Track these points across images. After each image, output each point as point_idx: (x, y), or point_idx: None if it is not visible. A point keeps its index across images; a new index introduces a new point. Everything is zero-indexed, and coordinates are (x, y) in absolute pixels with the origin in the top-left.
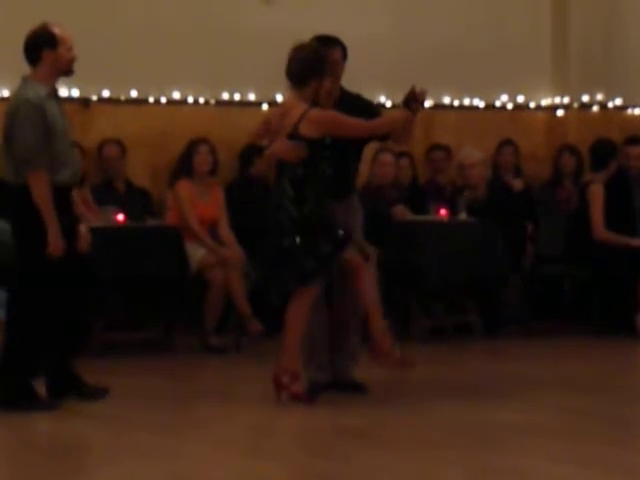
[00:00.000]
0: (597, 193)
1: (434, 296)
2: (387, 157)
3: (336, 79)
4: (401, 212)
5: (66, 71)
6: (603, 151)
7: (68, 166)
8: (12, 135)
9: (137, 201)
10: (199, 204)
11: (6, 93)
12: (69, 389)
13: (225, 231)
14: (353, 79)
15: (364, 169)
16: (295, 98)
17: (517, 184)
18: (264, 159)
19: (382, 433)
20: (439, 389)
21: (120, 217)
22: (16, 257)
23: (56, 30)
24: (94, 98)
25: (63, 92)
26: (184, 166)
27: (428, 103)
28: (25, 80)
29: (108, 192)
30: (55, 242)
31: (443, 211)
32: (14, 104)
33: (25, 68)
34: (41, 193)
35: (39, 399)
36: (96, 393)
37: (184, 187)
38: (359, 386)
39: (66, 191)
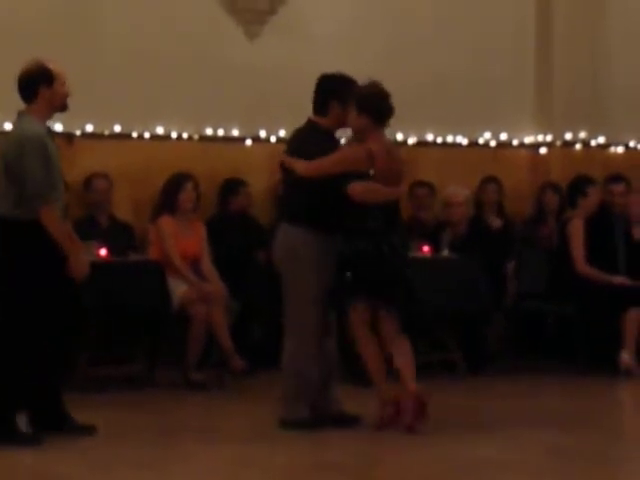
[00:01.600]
0: (577, 228)
1: (417, 333)
2: None
3: None
4: None
5: (61, 107)
6: (575, 188)
7: (59, 200)
8: (18, 171)
9: (120, 236)
10: (181, 240)
11: None
12: (57, 425)
13: (207, 266)
14: None
15: None
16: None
17: (496, 222)
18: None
19: (364, 469)
20: (421, 426)
21: (103, 252)
22: (3, 290)
23: (51, 66)
24: (78, 133)
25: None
26: (167, 201)
27: (412, 140)
28: (21, 116)
29: (91, 226)
30: (78, 267)
31: (426, 247)
32: (16, 140)
33: (9, 101)
34: (56, 225)
35: (22, 433)
36: (83, 431)
37: (167, 223)
38: (352, 418)
39: None
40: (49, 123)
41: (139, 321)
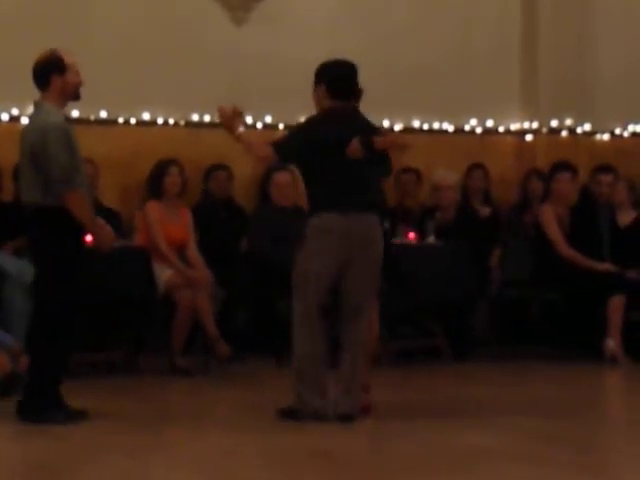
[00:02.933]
0: (547, 213)
1: (402, 319)
2: None
3: None
4: None
5: (74, 96)
6: (548, 175)
7: (84, 184)
8: (44, 159)
9: (106, 221)
10: (168, 226)
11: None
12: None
13: (193, 253)
14: None
15: None
16: None
17: (484, 211)
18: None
19: (352, 457)
20: (407, 413)
21: (89, 237)
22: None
23: (64, 56)
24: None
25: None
26: (153, 187)
27: (398, 127)
28: (39, 105)
29: None
30: (105, 240)
31: (411, 234)
32: (39, 129)
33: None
34: (83, 208)
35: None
36: (76, 416)
37: (153, 208)
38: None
39: None
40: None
41: (124, 307)
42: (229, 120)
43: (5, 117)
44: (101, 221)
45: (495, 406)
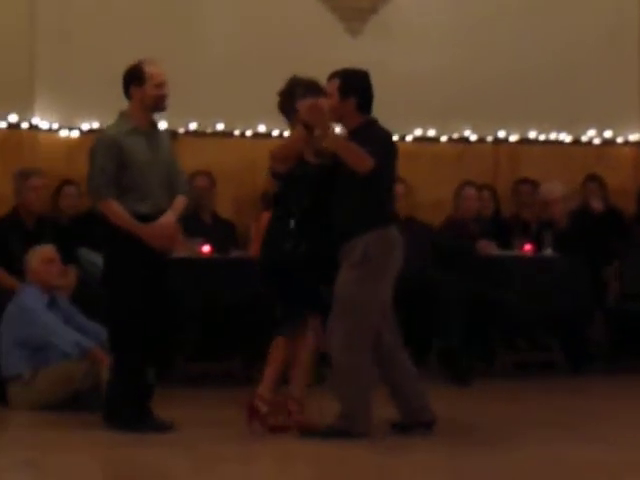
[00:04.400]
0: None
1: (518, 332)
2: (470, 191)
3: None
4: (486, 246)
5: (153, 107)
6: None
7: (150, 198)
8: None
9: (222, 233)
10: None
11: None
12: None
13: None
14: (436, 111)
15: (448, 203)
16: None
17: (597, 204)
18: None
19: (457, 468)
20: (521, 425)
21: (206, 248)
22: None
23: (145, 67)
24: (181, 131)
25: None
26: (268, 198)
27: (514, 137)
28: (120, 115)
29: (195, 223)
30: (153, 237)
31: (528, 246)
32: (95, 139)
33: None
34: (115, 215)
35: (157, 420)
36: (162, 427)
37: (267, 219)
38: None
39: (146, 221)
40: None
41: (240, 317)
42: (323, 117)
43: None
44: (142, 228)
45: (611, 420)
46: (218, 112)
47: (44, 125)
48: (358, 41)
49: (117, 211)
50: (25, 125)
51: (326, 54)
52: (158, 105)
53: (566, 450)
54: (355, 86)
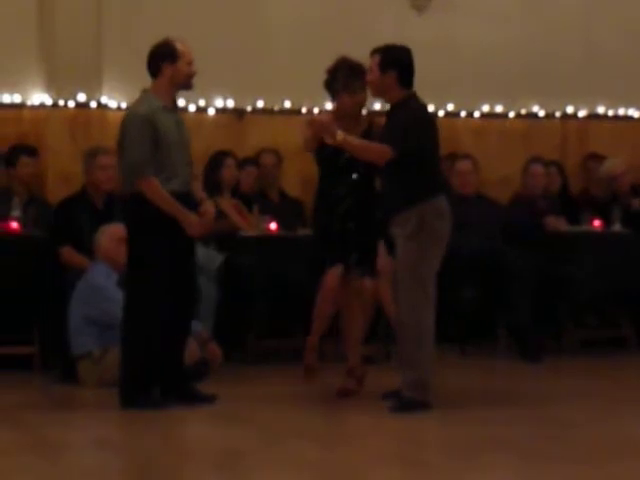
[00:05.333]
0: None
1: (587, 308)
2: (538, 168)
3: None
4: (555, 223)
5: (184, 85)
6: None
7: (179, 176)
8: (122, 148)
9: (290, 211)
10: None
11: (192, 108)
12: (181, 394)
13: None
14: (504, 87)
15: (516, 180)
16: None
17: None
18: None
19: (528, 445)
20: (587, 402)
21: (273, 226)
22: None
23: (177, 45)
24: (248, 109)
25: (219, 103)
26: None
27: (582, 113)
28: (144, 92)
29: (262, 201)
30: (190, 225)
31: (597, 222)
32: (126, 117)
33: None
34: (156, 195)
35: (155, 400)
36: (204, 399)
37: None
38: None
39: (181, 200)
40: (218, 99)
41: (307, 294)
42: (326, 129)
43: (192, 108)
44: (182, 210)
45: None
46: (285, 90)
47: (112, 104)
48: (424, 17)
49: (159, 190)
50: (93, 104)
51: (392, 31)
52: (188, 82)
53: (637, 428)
54: (395, 60)
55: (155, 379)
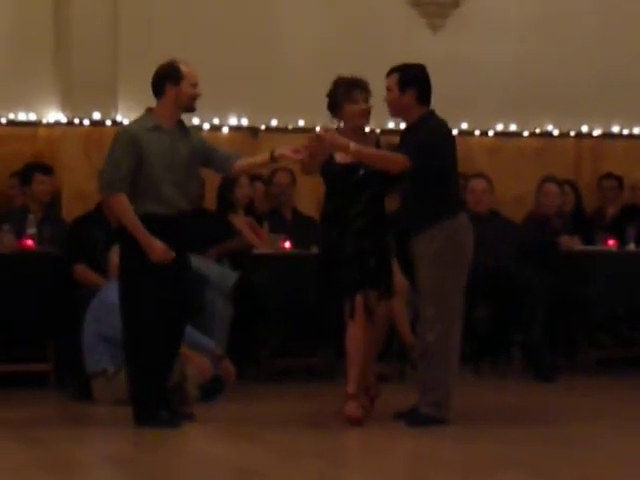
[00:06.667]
0: None
1: (602, 327)
2: (551, 187)
3: None
4: (569, 242)
5: (187, 107)
6: None
7: (164, 200)
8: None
9: (304, 229)
10: None
11: (206, 126)
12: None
13: None
14: (518, 105)
15: (530, 198)
16: None
17: None
18: None
19: (541, 464)
20: (607, 422)
21: (287, 244)
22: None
23: (182, 66)
24: (262, 127)
25: (233, 121)
26: None
27: (597, 132)
28: (146, 112)
29: (276, 220)
30: (152, 250)
31: (611, 241)
32: (116, 133)
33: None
34: (124, 213)
35: (164, 417)
36: (183, 418)
37: None
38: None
39: (164, 224)
40: (232, 117)
41: (321, 313)
42: (336, 143)
43: (207, 126)
44: (144, 234)
45: None
46: (299, 108)
47: (127, 122)
48: (439, 36)
49: (126, 209)
50: (108, 122)
51: (407, 50)
52: (191, 104)
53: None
54: (414, 79)
55: (162, 397)
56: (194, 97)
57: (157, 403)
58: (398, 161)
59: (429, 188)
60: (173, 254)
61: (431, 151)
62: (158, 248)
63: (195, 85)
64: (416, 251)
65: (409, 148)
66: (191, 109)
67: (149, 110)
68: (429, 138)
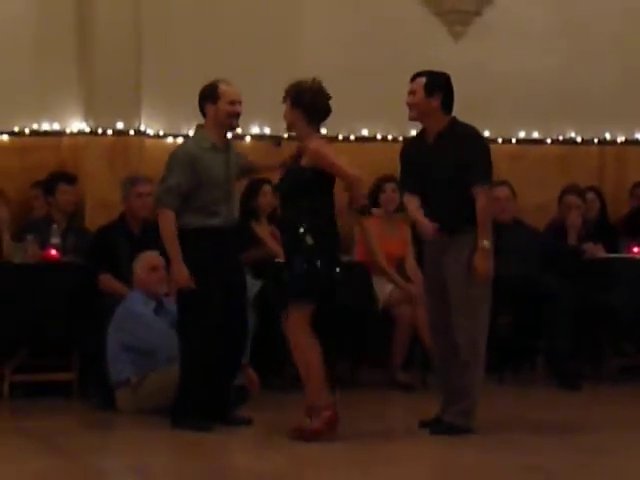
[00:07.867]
0: None
1: (626, 335)
2: (572, 198)
3: None
4: (593, 249)
5: (227, 124)
6: None
7: (221, 214)
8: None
9: None
10: (386, 240)
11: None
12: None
13: (411, 267)
14: (540, 113)
15: (553, 206)
16: None
17: None
18: None
19: (564, 473)
20: (622, 429)
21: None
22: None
23: (220, 85)
24: (285, 136)
25: (255, 130)
26: (371, 202)
27: (620, 139)
28: (197, 128)
29: None
30: (179, 274)
31: (636, 249)
32: (173, 151)
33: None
34: (166, 228)
35: (198, 422)
36: (242, 423)
37: (372, 223)
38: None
39: (219, 235)
40: (254, 127)
41: (345, 321)
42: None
43: (229, 135)
44: (178, 257)
45: None
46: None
47: (150, 132)
48: (461, 44)
49: (169, 226)
50: (132, 132)
51: (429, 58)
52: (231, 122)
53: None
54: (441, 85)
55: (206, 405)
56: (231, 114)
57: (198, 410)
58: (490, 204)
59: (461, 194)
60: (193, 285)
61: (489, 160)
62: (184, 274)
63: (233, 103)
64: (448, 255)
65: (485, 174)
66: (232, 126)
67: (200, 127)
68: (483, 149)
